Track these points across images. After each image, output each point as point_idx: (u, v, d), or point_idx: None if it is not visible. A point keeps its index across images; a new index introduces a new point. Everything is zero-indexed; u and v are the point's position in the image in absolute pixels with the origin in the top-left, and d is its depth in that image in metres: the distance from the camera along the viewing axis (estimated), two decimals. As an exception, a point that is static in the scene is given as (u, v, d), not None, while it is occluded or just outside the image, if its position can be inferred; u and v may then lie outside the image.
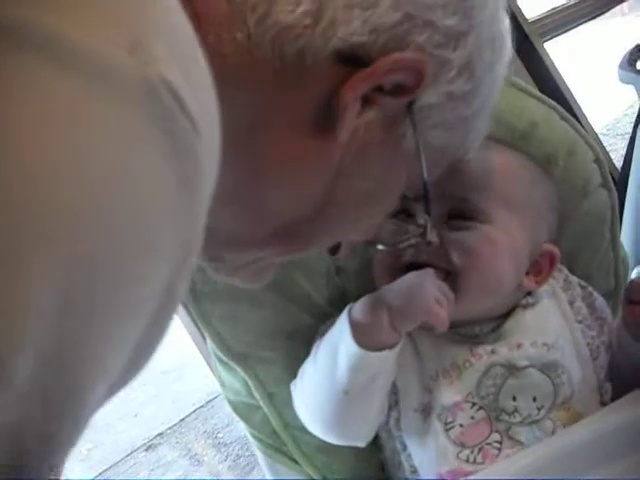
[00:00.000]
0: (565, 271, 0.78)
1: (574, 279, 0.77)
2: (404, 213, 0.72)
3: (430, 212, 0.52)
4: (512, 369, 0.68)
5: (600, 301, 0.76)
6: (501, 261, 0.69)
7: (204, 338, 0.77)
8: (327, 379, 0.65)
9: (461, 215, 0.69)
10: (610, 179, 0.85)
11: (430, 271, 0.66)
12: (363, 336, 0.63)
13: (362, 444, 0.70)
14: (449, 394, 0.67)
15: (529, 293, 0.73)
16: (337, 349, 0.64)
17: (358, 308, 0.65)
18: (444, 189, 0.69)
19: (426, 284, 0.64)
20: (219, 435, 2.70)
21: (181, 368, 2.93)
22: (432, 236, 0.67)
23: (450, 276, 0.67)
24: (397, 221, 0.71)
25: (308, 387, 0.69)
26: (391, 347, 0.63)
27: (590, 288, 0.77)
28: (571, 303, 0.74)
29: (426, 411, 0.68)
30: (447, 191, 0.69)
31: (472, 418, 0.66)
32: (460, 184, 0.69)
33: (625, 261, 0.88)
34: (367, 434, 0.69)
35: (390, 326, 0.63)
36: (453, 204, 0.69)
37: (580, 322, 0.73)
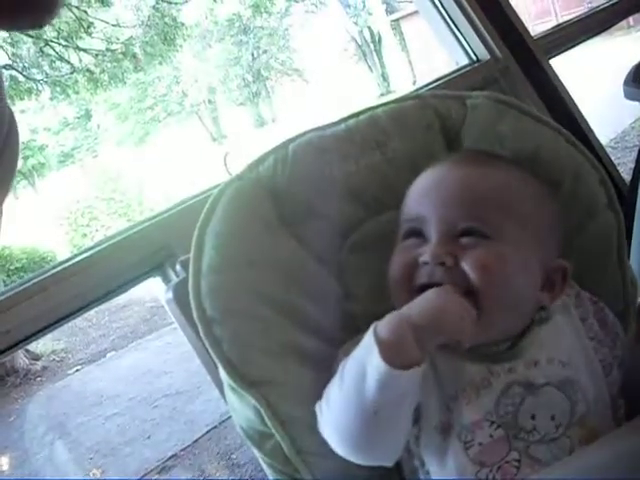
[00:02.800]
0: (577, 287, 0.78)
1: (585, 295, 0.78)
2: (416, 233, 0.72)
3: None
4: (530, 387, 0.68)
5: (612, 317, 0.77)
6: (515, 276, 0.70)
7: (216, 366, 0.77)
8: (356, 399, 0.64)
9: (473, 233, 0.70)
10: (616, 200, 0.85)
11: (449, 287, 0.67)
12: (390, 354, 0.62)
13: (390, 464, 0.69)
14: (468, 413, 0.67)
15: (542, 308, 0.73)
16: (365, 368, 0.64)
17: (383, 326, 0.65)
18: (456, 208, 0.70)
19: (448, 301, 0.65)
20: (233, 456, 2.69)
21: (194, 389, 2.92)
22: (445, 257, 0.68)
23: (468, 294, 0.67)
24: (411, 241, 0.72)
25: (335, 408, 0.68)
26: (418, 364, 0.63)
27: (601, 303, 0.77)
28: (583, 320, 0.75)
29: (446, 430, 0.68)
30: (458, 210, 0.70)
31: (491, 437, 0.67)
32: (471, 202, 0.71)
33: (634, 281, 0.88)
34: (395, 454, 0.69)
35: (416, 344, 0.63)
36: (465, 222, 0.70)
37: (592, 339, 0.73)
